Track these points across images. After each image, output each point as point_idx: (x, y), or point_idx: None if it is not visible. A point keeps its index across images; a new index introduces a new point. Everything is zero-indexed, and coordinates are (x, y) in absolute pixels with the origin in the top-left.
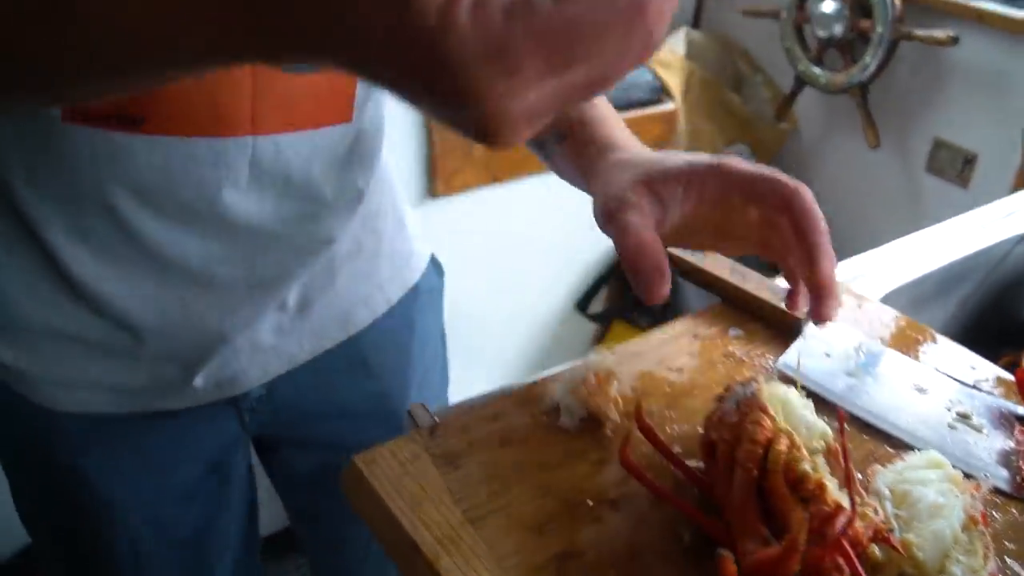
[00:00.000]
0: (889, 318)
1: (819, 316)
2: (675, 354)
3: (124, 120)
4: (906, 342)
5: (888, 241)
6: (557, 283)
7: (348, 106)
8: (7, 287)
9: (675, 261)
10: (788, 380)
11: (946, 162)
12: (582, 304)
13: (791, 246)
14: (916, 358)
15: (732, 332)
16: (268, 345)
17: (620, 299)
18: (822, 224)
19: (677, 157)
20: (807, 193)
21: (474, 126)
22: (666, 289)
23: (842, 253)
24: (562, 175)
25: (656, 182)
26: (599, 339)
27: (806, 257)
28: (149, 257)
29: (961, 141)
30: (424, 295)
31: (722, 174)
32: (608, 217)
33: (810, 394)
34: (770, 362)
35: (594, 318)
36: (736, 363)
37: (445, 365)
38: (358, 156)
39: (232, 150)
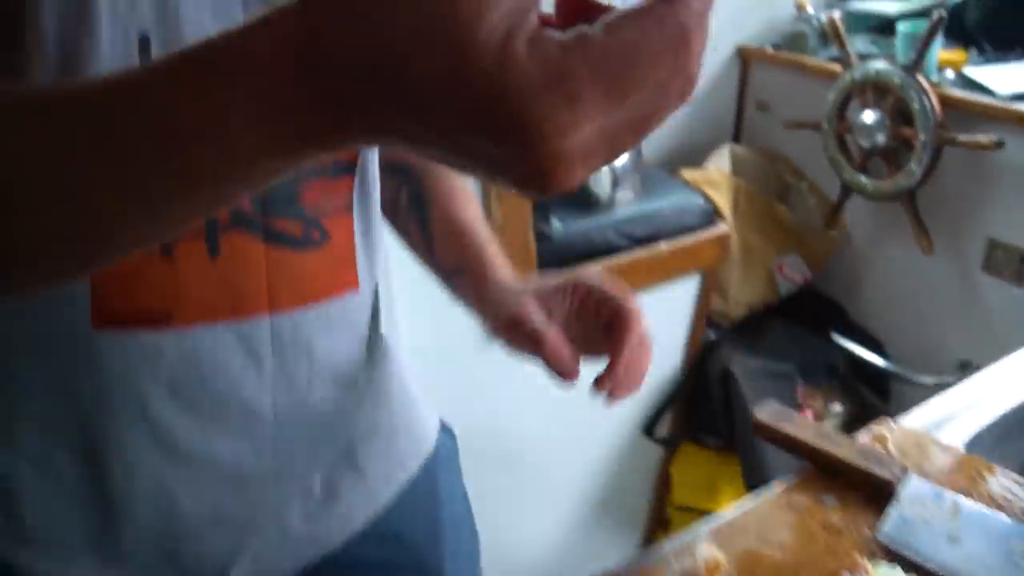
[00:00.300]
0: (979, 467)
1: (611, 396)
2: (773, 528)
3: (153, 318)
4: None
5: (948, 345)
6: (621, 407)
7: (353, 274)
8: (36, 502)
9: (760, 428)
10: (892, 554)
11: (1002, 262)
12: (648, 428)
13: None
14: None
15: (827, 501)
16: (298, 534)
17: (687, 421)
18: (635, 336)
19: (551, 278)
20: (638, 314)
21: (535, 166)
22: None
23: (901, 360)
24: (457, 299)
25: (542, 297)
26: (666, 463)
27: (614, 349)
28: (182, 462)
29: (1017, 240)
30: (443, 460)
31: (584, 287)
32: (510, 329)
33: (917, 568)
34: (868, 532)
35: (661, 441)
36: (836, 535)
37: (472, 524)
38: (370, 326)
39: (254, 332)
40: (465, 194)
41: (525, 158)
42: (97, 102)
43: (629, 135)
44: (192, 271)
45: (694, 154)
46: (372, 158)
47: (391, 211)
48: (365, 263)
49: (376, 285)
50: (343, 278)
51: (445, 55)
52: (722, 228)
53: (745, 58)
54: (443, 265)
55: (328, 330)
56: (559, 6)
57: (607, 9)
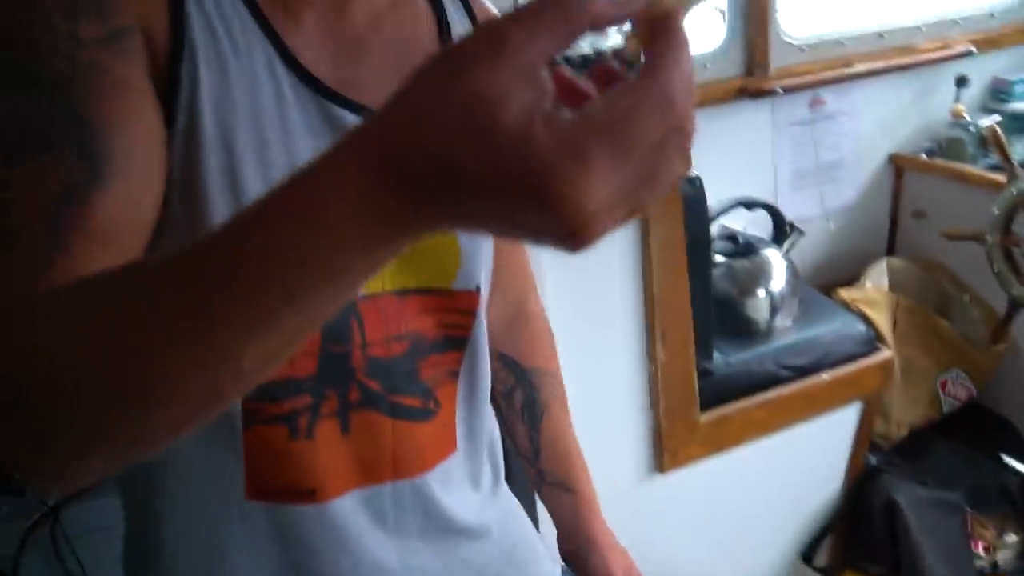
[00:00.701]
0: None
1: None
2: None
3: (300, 494)
4: None
5: None
6: (780, 534)
7: (453, 438)
8: None
9: None
10: None
11: None
12: (807, 555)
13: None
14: None
15: None
16: None
17: (848, 547)
18: None
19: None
20: None
21: (563, 227)
22: None
23: None
24: (548, 505)
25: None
26: None
27: None
28: None
29: None
30: None
31: None
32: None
33: None
34: None
35: (820, 570)
36: None
37: None
38: (479, 481)
39: (378, 497)
40: (567, 405)
41: (555, 219)
42: (219, 246)
43: (644, 189)
44: (329, 449)
45: (851, 266)
46: (481, 333)
47: (504, 404)
48: (464, 426)
49: (481, 444)
50: (448, 442)
51: (479, 141)
52: (884, 354)
53: (899, 166)
54: (546, 475)
55: (441, 489)
56: (561, 94)
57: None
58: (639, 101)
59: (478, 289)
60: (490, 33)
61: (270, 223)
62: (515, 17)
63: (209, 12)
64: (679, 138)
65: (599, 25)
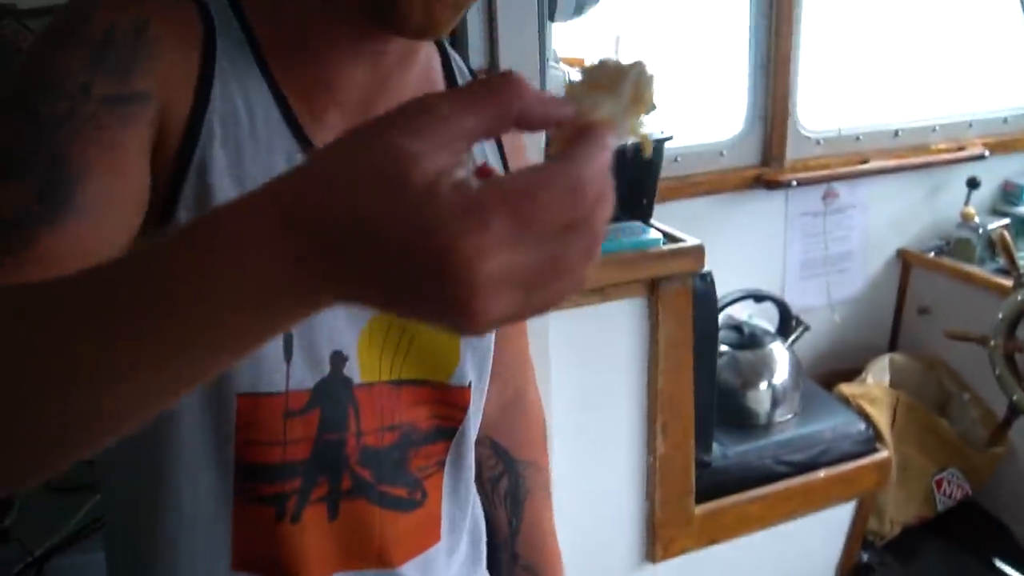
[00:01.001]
0: None
1: None
2: None
3: (283, 571)
4: None
5: None
6: None
7: (438, 528)
8: None
9: None
10: None
11: None
12: None
13: None
14: None
15: None
16: None
17: None
18: None
19: None
20: None
21: (455, 291)
22: None
23: None
24: None
25: None
26: None
27: None
28: None
29: None
30: None
31: None
32: None
33: None
34: None
35: None
36: None
37: None
38: (458, 570)
39: None
40: (551, 497)
41: (445, 284)
42: (95, 276)
43: (544, 279)
44: (315, 534)
45: (853, 356)
46: (471, 426)
47: (489, 489)
48: (448, 517)
49: (463, 533)
50: (433, 532)
51: (386, 194)
52: (883, 454)
53: (906, 262)
54: (519, 559)
55: None
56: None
57: None
58: (547, 179)
59: (471, 385)
60: (420, 103)
61: (164, 260)
62: (447, 94)
63: (234, 98)
64: (585, 230)
65: (527, 122)
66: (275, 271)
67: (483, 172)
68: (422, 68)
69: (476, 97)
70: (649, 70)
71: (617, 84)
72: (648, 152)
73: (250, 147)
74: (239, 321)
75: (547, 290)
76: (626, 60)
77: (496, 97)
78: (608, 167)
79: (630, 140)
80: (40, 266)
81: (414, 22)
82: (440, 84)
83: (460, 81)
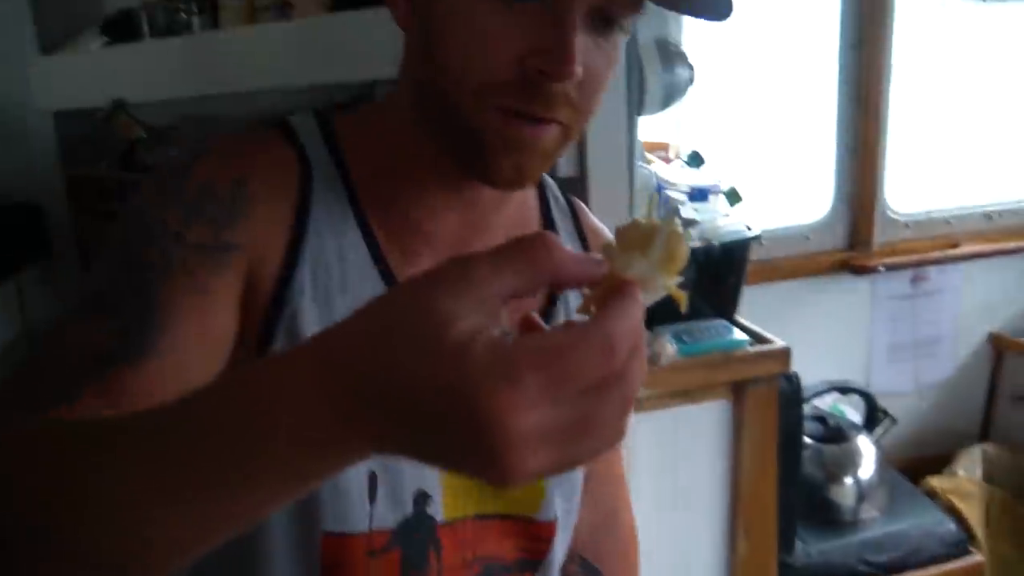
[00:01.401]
0: None
1: None
2: None
3: None
4: None
5: None
6: None
7: None
8: None
9: None
10: None
11: None
12: None
13: None
14: None
15: None
16: None
17: None
18: None
19: None
20: None
21: (488, 448)
22: None
23: None
24: None
25: None
26: None
27: None
28: None
29: None
30: None
31: None
32: None
33: None
34: None
35: None
36: None
37: None
38: None
39: None
40: None
41: (479, 440)
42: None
43: (578, 435)
44: None
45: (941, 445)
46: (555, 557)
47: None
48: None
49: None
50: None
51: (422, 351)
52: (975, 558)
53: (998, 347)
54: None
55: None
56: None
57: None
58: (580, 337)
59: (556, 519)
60: (458, 264)
61: (211, 412)
62: (486, 255)
63: (326, 246)
64: (619, 386)
65: (562, 281)
66: (310, 425)
67: (526, 322)
68: (516, 204)
69: (510, 260)
70: (680, 228)
71: (649, 243)
72: (683, 308)
73: (339, 297)
74: (278, 469)
75: (582, 445)
76: (658, 219)
77: (529, 259)
78: (641, 323)
79: (660, 296)
80: (122, 397)
81: (505, 176)
82: (534, 221)
83: (555, 212)
